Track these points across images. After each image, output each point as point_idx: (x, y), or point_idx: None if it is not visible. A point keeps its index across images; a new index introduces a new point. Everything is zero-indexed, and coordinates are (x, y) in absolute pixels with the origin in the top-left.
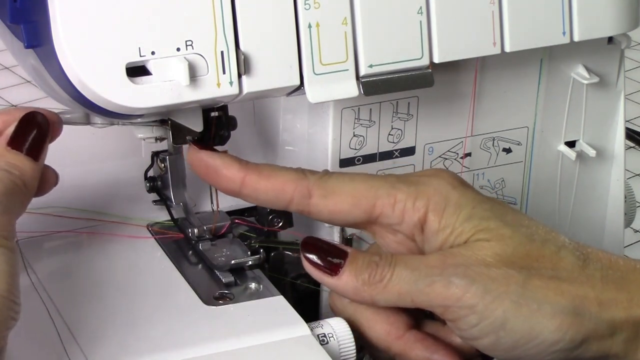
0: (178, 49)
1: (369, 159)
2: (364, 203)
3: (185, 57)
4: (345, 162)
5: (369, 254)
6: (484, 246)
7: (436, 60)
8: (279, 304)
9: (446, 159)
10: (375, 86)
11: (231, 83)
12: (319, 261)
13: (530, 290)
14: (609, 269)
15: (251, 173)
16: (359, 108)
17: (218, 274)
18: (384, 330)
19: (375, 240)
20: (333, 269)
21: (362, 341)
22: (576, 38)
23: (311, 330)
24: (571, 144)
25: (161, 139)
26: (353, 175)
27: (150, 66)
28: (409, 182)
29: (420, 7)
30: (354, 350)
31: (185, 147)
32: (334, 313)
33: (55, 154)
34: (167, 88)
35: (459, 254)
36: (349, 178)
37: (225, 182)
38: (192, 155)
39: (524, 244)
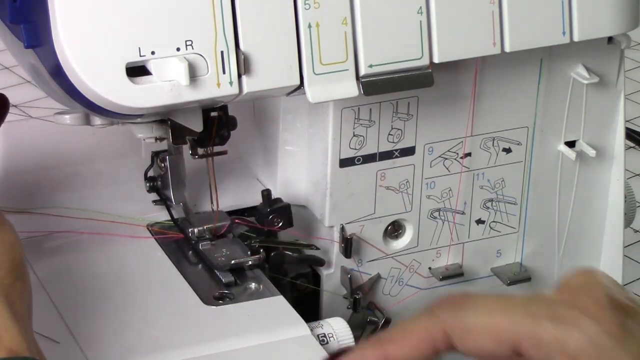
0: (178, 49)
1: (368, 158)
2: (506, 340)
3: (185, 57)
4: (345, 162)
5: None
6: None
7: (436, 60)
8: (279, 304)
9: (446, 159)
10: (375, 86)
11: (231, 83)
12: None
13: None
14: None
15: (387, 346)
16: (359, 108)
17: (218, 274)
18: None
19: None
20: None
21: None
22: (576, 38)
23: (311, 330)
24: (571, 144)
25: (161, 139)
26: (490, 304)
27: (150, 66)
28: (556, 319)
29: (420, 7)
30: None
31: (185, 147)
32: None
33: (56, 154)
34: (167, 88)
35: None
36: (487, 311)
37: None
38: None
39: None
